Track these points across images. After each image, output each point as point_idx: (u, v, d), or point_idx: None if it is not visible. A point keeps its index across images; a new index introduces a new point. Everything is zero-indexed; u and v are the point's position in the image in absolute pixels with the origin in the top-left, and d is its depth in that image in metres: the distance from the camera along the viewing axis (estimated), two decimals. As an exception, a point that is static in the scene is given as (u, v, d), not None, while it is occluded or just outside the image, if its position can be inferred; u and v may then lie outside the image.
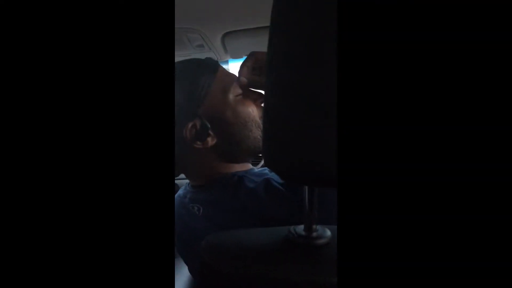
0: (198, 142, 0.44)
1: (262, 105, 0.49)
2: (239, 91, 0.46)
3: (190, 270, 0.52)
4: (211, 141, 0.45)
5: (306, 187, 0.26)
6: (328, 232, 0.27)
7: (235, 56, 0.81)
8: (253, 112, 0.47)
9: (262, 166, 1.02)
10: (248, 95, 0.47)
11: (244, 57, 0.83)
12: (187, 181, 0.52)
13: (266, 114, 0.24)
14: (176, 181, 1.20)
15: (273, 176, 0.41)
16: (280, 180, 0.39)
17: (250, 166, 0.51)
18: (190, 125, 0.44)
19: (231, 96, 0.46)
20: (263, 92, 0.49)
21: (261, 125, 0.46)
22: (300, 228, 0.27)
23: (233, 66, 1.00)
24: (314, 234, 0.26)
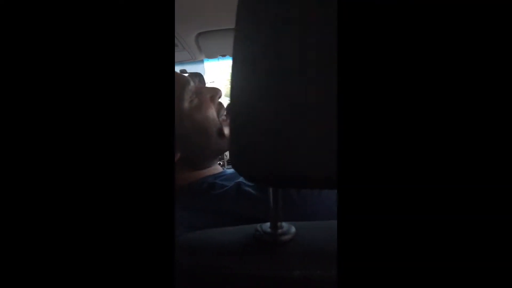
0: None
1: (220, 100, 0.48)
2: (193, 94, 0.44)
3: None
4: (175, 158, 0.43)
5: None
6: (293, 229, 0.28)
7: (210, 56, 0.81)
8: (212, 114, 0.45)
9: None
10: (203, 95, 0.45)
11: (219, 57, 0.83)
12: None
13: (232, 115, 0.25)
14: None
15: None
16: (250, 183, 0.40)
17: (219, 168, 0.51)
18: None
19: (186, 104, 0.43)
20: (217, 86, 0.48)
21: (221, 123, 0.46)
22: (266, 226, 0.28)
23: (208, 66, 1.00)
24: (279, 231, 0.27)
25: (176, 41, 0.70)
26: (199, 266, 0.27)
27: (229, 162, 1.08)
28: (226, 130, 0.46)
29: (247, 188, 0.39)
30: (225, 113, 0.47)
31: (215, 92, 0.47)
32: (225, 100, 0.53)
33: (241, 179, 0.41)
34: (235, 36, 0.24)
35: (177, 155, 0.43)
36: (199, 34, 0.67)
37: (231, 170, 0.48)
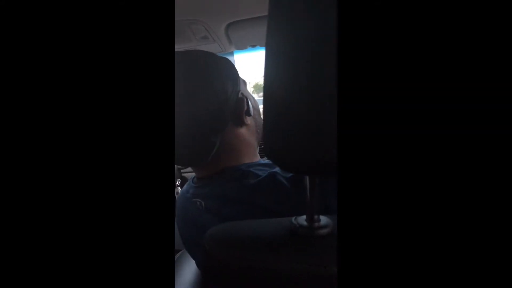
0: (247, 117, 0.45)
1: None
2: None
3: (197, 264, 0.53)
4: (250, 120, 0.46)
5: (307, 177, 0.26)
6: (331, 222, 0.26)
7: (240, 47, 0.80)
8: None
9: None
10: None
11: (249, 48, 0.82)
12: (193, 175, 0.52)
13: (266, 105, 0.24)
14: (184, 174, 1.21)
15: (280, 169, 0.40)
16: (286, 174, 0.39)
17: (258, 157, 0.50)
18: (238, 97, 0.44)
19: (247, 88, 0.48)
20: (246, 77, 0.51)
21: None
22: (302, 219, 0.27)
23: (238, 58, 1.00)
24: (316, 224, 0.26)
25: (206, 34, 0.70)
26: (232, 258, 0.26)
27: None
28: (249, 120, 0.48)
29: (282, 180, 0.38)
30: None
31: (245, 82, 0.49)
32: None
33: (275, 169, 0.40)
34: (268, 26, 0.22)
35: (253, 120, 0.47)
36: (229, 25, 0.66)
37: (265, 160, 0.47)
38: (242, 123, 0.45)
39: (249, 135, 0.48)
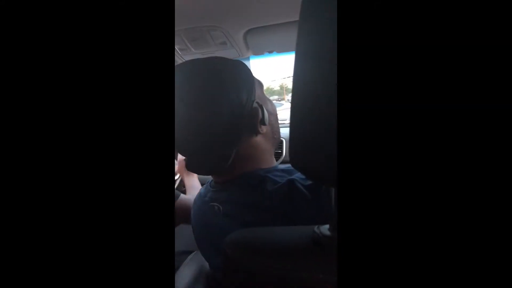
0: (262, 126, 0.45)
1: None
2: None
3: (210, 266, 0.53)
4: (265, 128, 0.46)
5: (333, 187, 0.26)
6: (354, 233, 0.26)
7: (257, 53, 0.81)
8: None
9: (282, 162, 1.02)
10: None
11: (266, 54, 0.83)
12: (209, 178, 0.53)
13: (293, 113, 0.24)
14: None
15: (298, 176, 0.40)
16: (305, 182, 0.39)
17: (274, 162, 0.50)
18: (253, 106, 0.43)
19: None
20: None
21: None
22: (325, 228, 0.26)
23: (254, 63, 1.01)
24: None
25: (224, 39, 0.71)
26: (253, 264, 0.26)
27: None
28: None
29: (301, 187, 0.38)
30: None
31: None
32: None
33: (295, 176, 0.40)
34: (298, 30, 0.23)
35: (268, 128, 0.47)
36: (248, 31, 0.67)
37: (283, 166, 0.47)
38: (257, 133, 0.45)
39: (264, 142, 0.48)
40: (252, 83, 0.45)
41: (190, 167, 0.47)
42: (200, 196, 0.52)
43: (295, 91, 0.24)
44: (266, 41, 0.72)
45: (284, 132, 0.91)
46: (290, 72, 0.24)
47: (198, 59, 0.44)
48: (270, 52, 0.80)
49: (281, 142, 1.07)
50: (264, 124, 0.45)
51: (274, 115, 0.51)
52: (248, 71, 0.45)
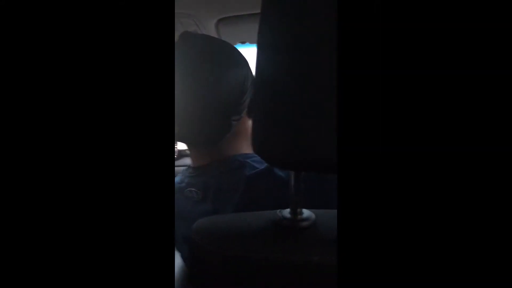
0: (251, 114, 0.44)
1: None
2: None
3: (183, 257, 0.53)
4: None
5: (292, 172, 0.27)
6: (313, 215, 0.28)
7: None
8: None
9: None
10: None
11: (238, 44, 0.82)
12: (183, 168, 0.52)
13: (255, 102, 0.25)
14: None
15: None
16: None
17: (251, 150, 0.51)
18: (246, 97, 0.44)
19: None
20: None
21: None
22: (286, 211, 0.28)
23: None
24: (299, 217, 0.27)
25: (196, 28, 0.70)
26: (218, 249, 0.27)
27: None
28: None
29: (280, 173, 0.39)
30: None
31: None
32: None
33: None
34: (260, 23, 0.23)
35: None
36: (219, 20, 0.67)
37: None
38: (250, 113, 0.46)
39: (250, 127, 0.48)
40: (249, 68, 0.46)
41: (181, 136, 0.46)
42: (175, 184, 0.51)
43: (257, 82, 0.24)
44: (238, 31, 0.71)
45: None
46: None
47: (207, 36, 0.46)
48: (243, 43, 0.80)
49: None
50: None
51: None
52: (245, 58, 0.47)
